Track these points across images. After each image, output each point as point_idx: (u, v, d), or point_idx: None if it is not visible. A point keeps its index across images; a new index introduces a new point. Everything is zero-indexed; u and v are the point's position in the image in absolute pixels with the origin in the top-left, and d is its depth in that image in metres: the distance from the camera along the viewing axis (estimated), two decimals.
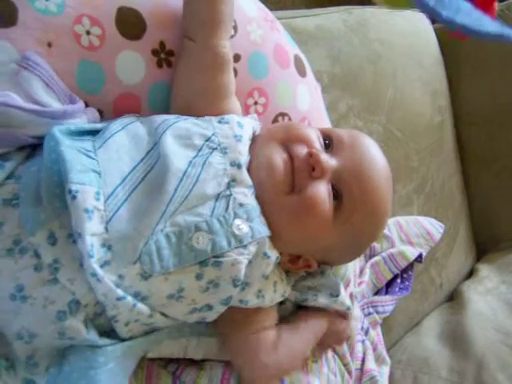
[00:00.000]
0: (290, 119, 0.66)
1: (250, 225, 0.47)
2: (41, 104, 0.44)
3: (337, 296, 0.59)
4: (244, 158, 0.49)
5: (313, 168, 0.50)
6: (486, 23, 0.36)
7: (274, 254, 0.49)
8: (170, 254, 0.43)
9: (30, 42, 0.47)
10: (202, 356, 0.57)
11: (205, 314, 0.49)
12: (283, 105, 0.65)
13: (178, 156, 0.46)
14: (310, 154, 0.50)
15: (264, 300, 0.52)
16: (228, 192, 0.47)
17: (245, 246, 0.46)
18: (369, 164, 0.53)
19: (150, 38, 0.53)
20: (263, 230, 0.48)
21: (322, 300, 0.59)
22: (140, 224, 0.43)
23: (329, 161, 0.51)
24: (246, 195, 0.48)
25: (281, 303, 0.59)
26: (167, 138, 0.47)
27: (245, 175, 0.48)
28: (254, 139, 0.54)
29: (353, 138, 0.55)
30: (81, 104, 0.48)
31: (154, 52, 0.54)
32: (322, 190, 0.50)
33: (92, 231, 0.41)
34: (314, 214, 0.49)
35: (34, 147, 0.47)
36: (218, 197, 0.46)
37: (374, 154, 0.55)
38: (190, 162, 0.46)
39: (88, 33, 0.50)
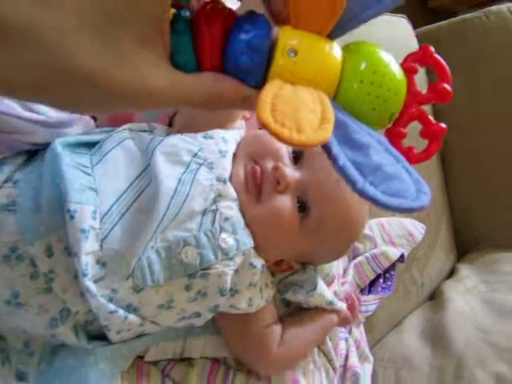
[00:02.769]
0: None
1: (236, 237, 0.48)
2: (37, 112, 0.44)
3: (314, 289, 0.60)
4: (228, 173, 0.51)
5: (278, 182, 0.51)
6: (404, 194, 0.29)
7: (259, 263, 0.51)
8: (160, 269, 0.45)
9: None
10: (200, 354, 0.58)
11: (193, 321, 0.51)
12: None
13: (168, 175, 0.47)
14: (276, 168, 0.51)
15: (252, 307, 0.54)
16: (214, 207, 0.48)
17: (231, 258, 0.48)
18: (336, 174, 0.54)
19: None
20: (248, 242, 0.49)
21: (301, 296, 0.60)
22: (133, 243, 0.44)
23: (294, 175, 0.52)
24: (231, 208, 0.49)
25: None
26: (158, 156, 0.48)
27: (230, 189, 0.50)
28: (236, 149, 0.55)
29: None
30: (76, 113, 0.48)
31: None
32: (284, 204, 0.51)
33: (87, 250, 0.42)
34: (277, 226, 0.51)
35: (30, 154, 0.48)
36: (204, 212, 0.48)
37: None
38: (180, 179, 0.47)
39: None
